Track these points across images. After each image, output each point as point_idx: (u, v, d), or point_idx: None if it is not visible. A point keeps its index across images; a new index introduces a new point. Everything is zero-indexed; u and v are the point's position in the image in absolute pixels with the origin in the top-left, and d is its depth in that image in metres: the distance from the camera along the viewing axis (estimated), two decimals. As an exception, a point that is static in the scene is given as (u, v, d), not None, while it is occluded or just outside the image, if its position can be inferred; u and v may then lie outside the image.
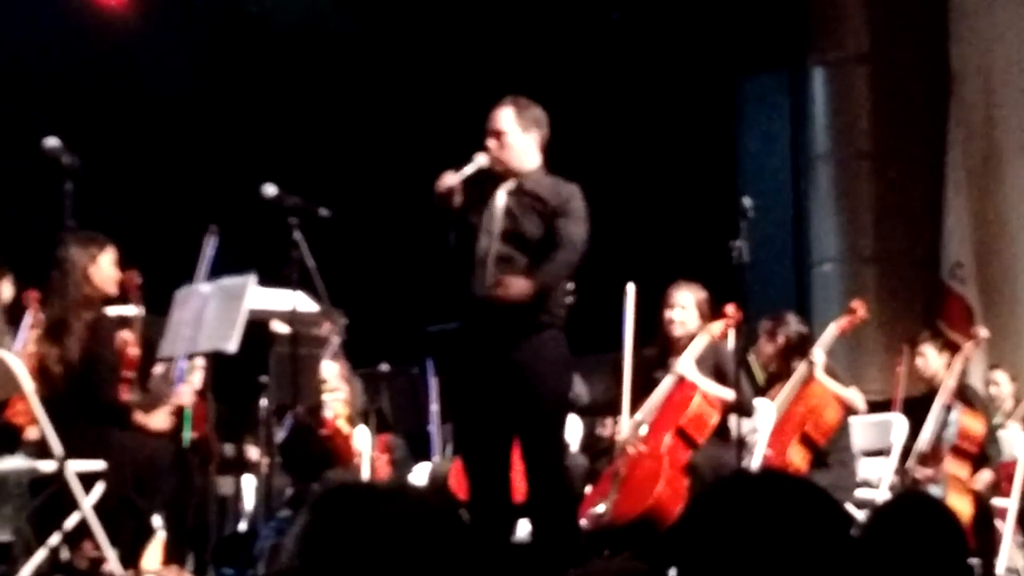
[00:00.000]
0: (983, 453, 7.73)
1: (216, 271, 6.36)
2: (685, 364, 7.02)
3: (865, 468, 7.79)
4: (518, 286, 5.68)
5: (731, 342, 7.32)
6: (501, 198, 5.91)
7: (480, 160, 5.85)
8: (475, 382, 5.84)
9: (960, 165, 11.24)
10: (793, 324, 7.70)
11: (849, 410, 7.43)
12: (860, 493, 7.48)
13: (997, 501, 7.71)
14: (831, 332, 7.65)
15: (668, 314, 7.09)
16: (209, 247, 6.34)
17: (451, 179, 5.78)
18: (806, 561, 1.94)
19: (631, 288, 6.88)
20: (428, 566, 1.87)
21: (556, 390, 5.89)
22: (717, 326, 7.07)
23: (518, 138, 5.95)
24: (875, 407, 8.48)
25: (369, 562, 1.86)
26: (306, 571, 1.91)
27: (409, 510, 1.91)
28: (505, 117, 5.92)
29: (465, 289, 5.84)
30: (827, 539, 1.96)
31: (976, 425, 7.74)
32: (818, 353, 7.46)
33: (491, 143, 5.91)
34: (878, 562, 1.92)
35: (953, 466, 7.65)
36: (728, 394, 6.94)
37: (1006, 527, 7.59)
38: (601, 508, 6.78)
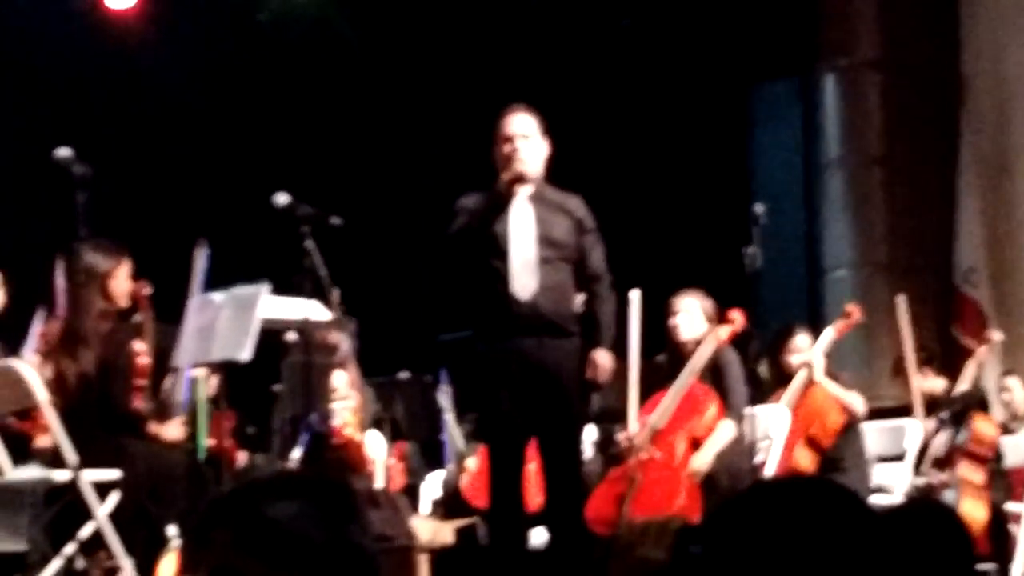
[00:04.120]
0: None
1: (228, 281, 6.35)
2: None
3: (879, 474, 7.78)
4: (605, 360, 5.99)
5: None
6: (524, 204, 5.91)
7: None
8: (503, 387, 5.84)
9: (972, 170, 11.21)
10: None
11: (850, 414, 7.40)
12: (874, 499, 7.46)
13: (1011, 506, 7.70)
14: (828, 336, 7.63)
15: (672, 320, 7.08)
16: (200, 260, 6.33)
17: None
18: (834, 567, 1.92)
19: (635, 295, 6.88)
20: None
21: (580, 397, 5.94)
22: (724, 331, 7.06)
23: (539, 143, 5.99)
24: (890, 413, 8.46)
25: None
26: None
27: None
28: (529, 122, 5.97)
29: (496, 294, 5.84)
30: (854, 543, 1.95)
31: (990, 430, 7.73)
32: (817, 357, 7.44)
33: (520, 146, 5.91)
34: (885, 568, 1.91)
35: (967, 471, 7.63)
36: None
37: (1020, 532, 7.58)
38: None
